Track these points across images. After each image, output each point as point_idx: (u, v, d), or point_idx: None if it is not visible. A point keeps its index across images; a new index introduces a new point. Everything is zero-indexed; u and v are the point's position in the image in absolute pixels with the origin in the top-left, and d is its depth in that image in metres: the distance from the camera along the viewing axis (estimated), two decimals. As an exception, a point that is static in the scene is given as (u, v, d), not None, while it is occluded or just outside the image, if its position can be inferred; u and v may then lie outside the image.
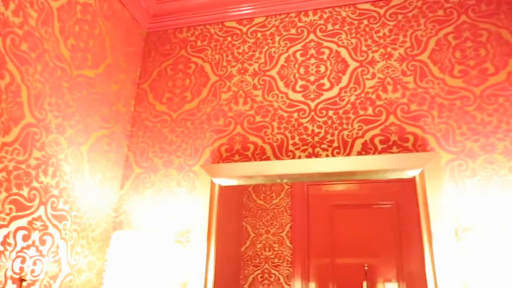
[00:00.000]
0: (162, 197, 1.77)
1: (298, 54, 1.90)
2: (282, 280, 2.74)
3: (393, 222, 2.71)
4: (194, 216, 1.67)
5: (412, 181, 2.72)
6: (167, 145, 1.87)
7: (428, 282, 1.39)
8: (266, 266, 2.79)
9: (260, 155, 1.76)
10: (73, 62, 1.59)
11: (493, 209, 1.44)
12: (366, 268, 2.66)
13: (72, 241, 1.52)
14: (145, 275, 1.39)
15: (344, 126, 1.72)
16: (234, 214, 2.69)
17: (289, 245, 2.81)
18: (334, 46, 1.87)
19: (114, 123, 1.82)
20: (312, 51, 1.88)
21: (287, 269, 2.74)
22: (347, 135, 1.70)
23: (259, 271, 2.78)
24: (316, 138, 1.73)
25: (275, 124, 1.80)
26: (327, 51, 1.87)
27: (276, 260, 2.80)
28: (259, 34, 1.98)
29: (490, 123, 1.57)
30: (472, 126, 1.59)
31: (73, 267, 1.52)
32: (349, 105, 1.75)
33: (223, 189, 1.75)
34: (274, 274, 2.76)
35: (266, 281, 2.75)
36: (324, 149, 1.71)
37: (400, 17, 1.84)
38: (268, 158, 1.75)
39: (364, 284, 2.62)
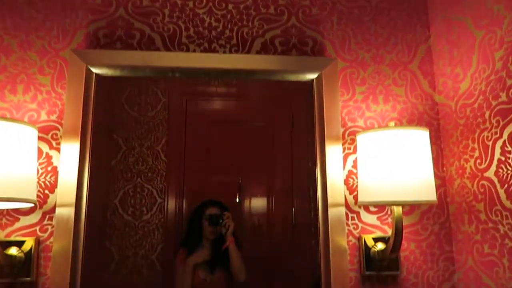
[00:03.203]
0: (18, 86, 1.40)
1: None
2: (155, 194, 2.63)
3: (266, 140, 2.80)
4: (63, 112, 1.37)
5: (287, 100, 2.81)
6: (24, 22, 1.45)
7: (318, 181, 1.43)
8: (139, 180, 2.62)
9: (147, 45, 1.52)
10: None
11: (372, 115, 1.52)
12: (240, 181, 2.73)
13: None
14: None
15: (244, 22, 1.58)
16: (104, 126, 2.39)
17: (164, 159, 2.67)
18: None
19: None
20: None
21: (161, 184, 2.63)
22: (247, 33, 1.57)
23: (130, 186, 2.60)
24: (214, 33, 1.56)
25: (166, 11, 1.55)
26: None
27: (149, 174, 2.64)
28: None
29: (382, 35, 1.62)
30: (366, 37, 1.61)
31: None
32: (250, 0, 1.60)
33: (101, 82, 1.47)
34: (147, 188, 2.62)
35: (138, 195, 2.59)
36: (221, 45, 1.55)
37: None
38: (157, 49, 1.51)
39: (237, 196, 2.71)
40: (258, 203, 2.72)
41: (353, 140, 1.48)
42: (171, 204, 2.57)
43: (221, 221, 2.10)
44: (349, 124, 1.50)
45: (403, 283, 1.42)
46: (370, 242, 1.42)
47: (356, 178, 1.45)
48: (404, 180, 1.22)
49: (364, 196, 1.31)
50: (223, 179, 2.72)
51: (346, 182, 1.45)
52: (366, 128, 1.50)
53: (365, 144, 1.31)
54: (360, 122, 1.51)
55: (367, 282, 1.41)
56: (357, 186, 1.44)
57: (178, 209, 2.57)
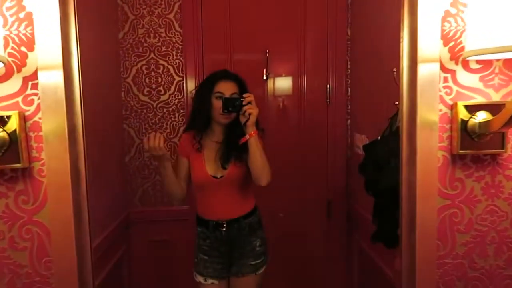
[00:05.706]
0: None
1: None
2: (172, 71, 2.27)
3: (297, 2, 2.29)
4: None
5: None
6: None
7: (405, 25, 1.00)
8: (152, 55, 2.24)
9: None
10: None
11: None
12: (267, 55, 2.30)
13: None
14: None
15: None
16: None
17: (178, 29, 2.24)
18: None
19: None
20: None
21: (178, 60, 2.25)
22: None
23: (143, 62, 2.23)
24: None
25: None
26: None
27: (163, 49, 2.25)
28: None
29: None
30: None
31: None
32: None
33: None
34: (163, 65, 2.26)
35: (153, 73, 2.24)
36: None
37: None
38: None
39: (264, 73, 2.32)
40: (287, 81, 2.35)
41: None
42: (191, 82, 2.22)
43: (237, 103, 1.56)
44: None
45: (506, 164, 1.08)
46: (467, 112, 1.04)
47: (455, 22, 1.01)
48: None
49: (476, 42, 0.89)
50: (248, 53, 2.30)
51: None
52: None
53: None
54: None
55: (458, 162, 1.07)
56: (455, 33, 1.01)
57: (199, 88, 2.23)
